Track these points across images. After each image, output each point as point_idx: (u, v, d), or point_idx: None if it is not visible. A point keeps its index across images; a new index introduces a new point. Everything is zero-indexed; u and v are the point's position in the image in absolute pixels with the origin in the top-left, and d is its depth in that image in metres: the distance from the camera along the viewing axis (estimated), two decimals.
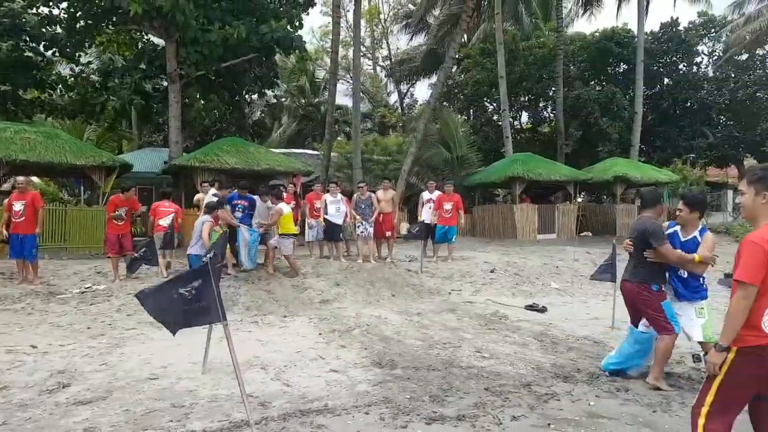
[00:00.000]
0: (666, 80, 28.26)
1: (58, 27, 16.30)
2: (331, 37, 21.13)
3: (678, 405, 4.31)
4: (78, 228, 13.17)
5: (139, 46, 18.22)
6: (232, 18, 14.92)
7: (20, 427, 3.91)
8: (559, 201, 21.00)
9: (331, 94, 20.24)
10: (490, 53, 26.03)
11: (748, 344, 2.66)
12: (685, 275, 4.87)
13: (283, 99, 33.50)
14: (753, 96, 26.80)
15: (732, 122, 28.31)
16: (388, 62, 39.89)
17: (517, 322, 7.67)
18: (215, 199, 9.50)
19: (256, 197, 10.21)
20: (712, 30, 28.39)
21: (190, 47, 14.76)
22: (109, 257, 9.72)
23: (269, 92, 23.65)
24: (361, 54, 30.74)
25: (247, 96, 21.16)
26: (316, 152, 25.49)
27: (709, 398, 2.77)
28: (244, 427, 3.83)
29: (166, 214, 10.05)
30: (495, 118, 28.88)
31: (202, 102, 18.46)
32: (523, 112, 31.66)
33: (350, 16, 26.63)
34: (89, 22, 15.36)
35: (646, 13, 24.04)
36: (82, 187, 20.82)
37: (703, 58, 29.36)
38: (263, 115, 32.97)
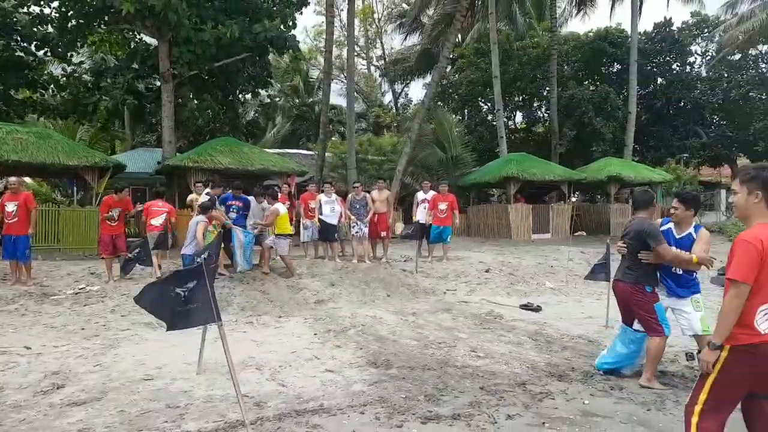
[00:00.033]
0: (659, 80, 28.39)
1: (49, 26, 16.21)
2: (324, 36, 21.14)
3: (672, 403, 4.33)
4: (71, 229, 13.11)
5: (132, 46, 18.15)
6: (225, 17, 14.87)
7: (14, 429, 3.89)
8: (554, 201, 21.07)
9: (325, 93, 20.21)
10: (484, 53, 26.08)
11: (741, 342, 2.68)
12: (680, 272, 4.90)
13: (277, 99, 33.46)
14: (746, 96, 26.96)
15: (725, 122, 28.47)
16: (383, 62, 39.89)
17: (511, 321, 7.69)
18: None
19: (250, 198, 10.20)
20: (705, 30, 28.54)
21: (183, 47, 14.70)
22: (102, 258, 9.68)
23: (263, 92, 23.64)
24: (355, 54, 30.82)
25: (240, 96, 21.10)
26: (310, 152, 25.46)
27: (702, 396, 2.78)
28: (240, 428, 3.82)
29: (158, 214, 10.01)
30: (489, 118, 28.92)
31: (196, 102, 18.36)
32: (518, 112, 31.74)
33: (344, 15, 26.63)
34: (81, 21, 15.27)
35: (640, 13, 24.15)
36: (75, 188, 20.68)
37: (696, 58, 29.56)
38: (257, 115, 32.93)
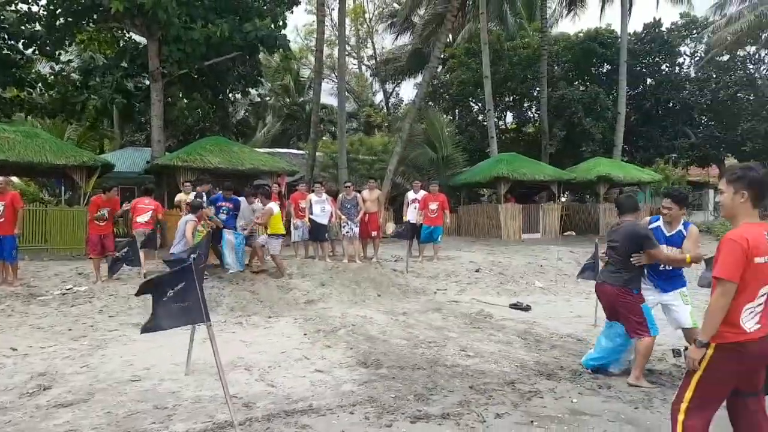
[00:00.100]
0: (649, 81, 28.59)
1: (37, 24, 16.04)
2: (315, 35, 21.07)
3: (659, 401, 4.36)
4: (59, 228, 12.99)
5: (121, 44, 18.01)
6: (215, 16, 14.79)
7: (0, 431, 3.85)
8: (543, 201, 21.15)
9: (315, 93, 20.16)
10: (475, 53, 26.12)
11: (726, 341, 2.71)
12: (668, 268, 4.95)
13: (268, 98, 33.36)
14: (734, 96, 27.20)
15: (713, 122, 28.70)
16: (374, 61, 39.85)
17: (501, 320, 7.72)
18: (199, 199, 9.46)
19: (241, 199, 10.14)
20: (694, 31, 28.75)
21: (173, 45, 14.61)
22: (90, 258, 9.60)
23: (253, 91, 23.54)
24: (346, 53, 30.78)
25: (230, 95, 21.00)
26: (301, 152, 25.39)
27: (688, 394, 2.81)
28: (228, 428, 3.81)
29: (144, 212, 9.96)
30: (480, 118, 28.98)
31: (185, 101, 18.23)
32: (508, 113, 31.82)
33: (335, 14, 26.54)
34: (69, 19, 15.12)
35: (629, 13, 24.28)
36: (63, 187, 20.53)
37: (685, 59, 29.79)
38: (247, 114, 32.81)
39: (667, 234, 4.97)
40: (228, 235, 9.36)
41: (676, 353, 5.37)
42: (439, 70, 28.28)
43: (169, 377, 5.04)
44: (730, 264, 2.67)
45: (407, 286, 10.14)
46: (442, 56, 24.55)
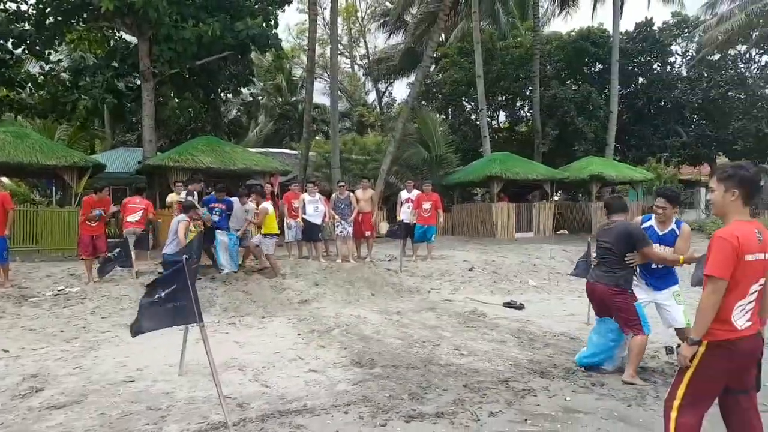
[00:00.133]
0: (641, 80, 28.69)
1: (26, 24, 15.90)
2: (307, 34, 21.00)
3: (652, 399, 4.38)
4: (50, 229, 12.89)
5: (111, 44, 17.88)
6: (207, 15, 14.72)
7: None
8: (536, 200, 21.20)
9: (308, 92, 20.11)
10: (467, 52, 26.15)
11: (718, 338, 2.72)
12: (661, 266, 4.99)
13: (260, 97, 33.24)
14: (725, 95, 27.36)
15: (705, 121, 28.86)
16: (366, 61, 39.83)
17: (495, 319, 7.74)
18: (191, 198, 9.42)
19: (234, 199, 10.10)
20: (686, 30, 28.89)
21: (164, 45, 14.53)
22: (82, 259, 9.54)
23: (245, 90, 23.41)
24: (339, 52, 30.72)
25: (222, 94, 20.92)
26: (293, 151, 25.35)
27: (681, 391, 2.82)
28: (222, 429, 3.80)
29: (134, 211, 9.92)
30: (473, 117, 29.03)
31: (177, 100, 18.14)
32: (501, 112, 31.89)
33: (327, 13, 26.46)
34: (59, 18, 15.00)
35: (621, 13, 24.38)
36: (53, 188, 20.39)
37: (676, 58, 29.92)
38: (239, 113, 32.68)
39: (660, 233, 5.00)
40: (221, 236, 9.33)
41: (669, 350, 5.40)
42: (431, 69, 28.28)
43: (163, 378, 5.02)
44: (721, 262, 2.69)
45: (401, 285, 10.14)
46: (434, 55, 24.59)
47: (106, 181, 15.26)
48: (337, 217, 10.97)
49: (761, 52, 28.88)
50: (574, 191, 26.44)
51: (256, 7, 16.14)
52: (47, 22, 15.11)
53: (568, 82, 28.45)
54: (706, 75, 28.16)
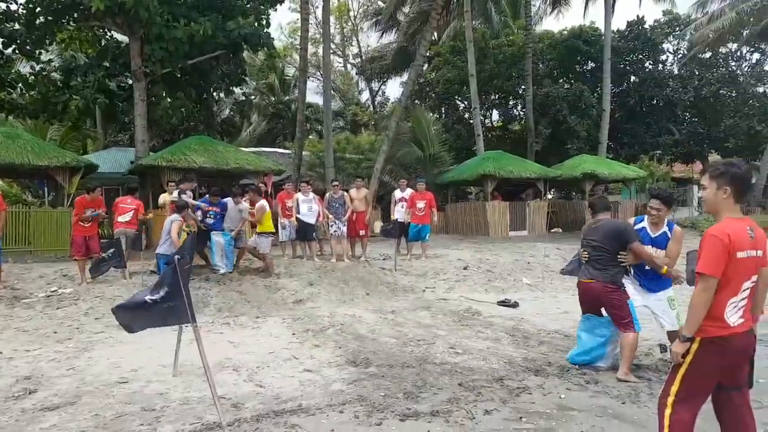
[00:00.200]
0: (633, 78, 28.80)
1: (16, 23, 15.78)
2: (300, 33, 20.95)
3: (646, 396, 4.40)
4: (43, 230, 12.83)
5: (102, 43, 17.76)
6: (198, 14, 14.64)
7: None
8: (530, 198, 21.27)
9: (301, 91, 20.08)
10: (460, 51, 26.16)
11: (710, 335, 2.74)
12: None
13: (253, 97, 33.14)
14: (716, 93, 27.51)
15: (697, 119, 29.00)
16: (359, 60, 39.82)
17: (489, 317, 7.76)
18: (183, 197, 9.39)
19: (228, 200, 10.03)
20: (677, 28, 29.04)
21: (155, 44, 14.45)
22: (75, 260, 9.49)
23: (238, 90, 23.33)
24: (331, 51, 30.60)
25: (215, 94, 20.83)
26: (287, 151, 25.29)
27: (674, 388, 2.84)
28: (217, 429, 3.79)
29: (126, 211, 9.87)
30: (466, 116, 29.07)
31: (169, 100, 18.02)
32: (494, 110, 31.93)
33: (319, 12, 26.42)
34: (49, 18, 14.89)
35: (613, 11, 24.44)
36: (46, 189, 20.28)
37: (668, 56, 30.06)
38: (232, 113, 32.60)
39: (653, 235, 5.03)
40: (216, 237, 9.31)
41: (663, 349, 5.44)
42: (424, 68, 28.31)
43: (157, 379, 5.00)
44: (712, 259, 2.70)
45: (396, 284, 10.15)
46: (427, 54, 24.58)
47: (98, 181, 15.20)
48: (331, 216, 10.96)
49: (752, 49, 29.10)
50: (567, 189, 26.52)
51: (248, 6, 16.08)
52: (38, 21, 15.00)
53: (561, 80, 28.52)
54: (697, 73, 28.31)
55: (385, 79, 38.12)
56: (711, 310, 2.72)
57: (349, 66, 42.27)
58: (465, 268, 11.30)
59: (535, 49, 26.09)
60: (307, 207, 10.82)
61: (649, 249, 4.95)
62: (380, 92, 40.36)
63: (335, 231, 11.02)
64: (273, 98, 33.42)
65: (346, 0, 38.87)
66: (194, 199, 10.57)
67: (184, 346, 5.07)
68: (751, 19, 25.75)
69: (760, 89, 28.91)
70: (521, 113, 29.69)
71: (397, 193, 12.33)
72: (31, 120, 19.37)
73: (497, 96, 29.75)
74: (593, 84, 26.63)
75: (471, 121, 25.23)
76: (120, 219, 9.84)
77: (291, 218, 10.90)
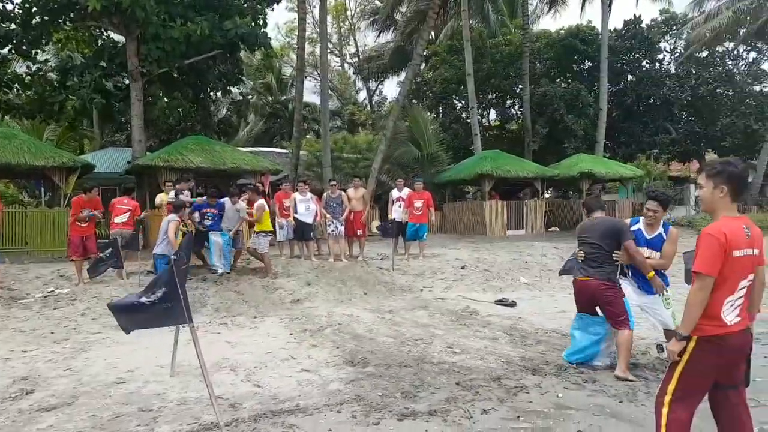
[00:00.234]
0: (629, 77, 28.86)
1: (12, 23, 15.74)
2: (297, 33, 20.93)
3: (644, 395, 4.41)
4: (39, 230, 12.79)
5: (99, 43, 17.71)
6: (195, 14, 14.62)
7: None
8: (527, 197, 21.29)
9: (298, 91, 20.06)
10: (457, 51, 26.19)
11: (707, 334, 2.74)
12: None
13: (250, 96, 33.11)
14: (713, 92, 27.56)
15: (693, 118, 29.05)
16: (356, 59, 39.80)
17: (487, 317, 7.76)
18: (180, 197, 9.38)
19: (225, 200, 10.01)
20: (674, 27, 29.08)
21: (152, 44, 14.43)
22: (72, 260, 9.46)
23: (235, 90, 23.32)
24: (329, 51, 30.64)
25: (211, 93, 20.80)
26: (284, 150, 25.28)
27: (671, 386, 2.85)
28: (214, 430, 3.79)
29: (121, 212, 9.85)
30: (464, 115, 29.09)
31: (166, 100, 18.00)
32: (491, 110, 31.97)
33: (316, 12, 26.37)
34: (45, 18, 14.85)
35: (610, 10, 24.49)
36: (42, 189, 20.23)
37: (665, 55, 30.13)
38: (229, 113, 32.56)
39: (648, 237, 5.04)
40: (215, 237, 9.29)
41: (660, 349, 5.42)
42: (422, 67, 28.32)
43: (154, 379, 4.99)
44: (708, 258, 2.70)
45: (393, 284, 10.14)
46: (424, 54, 24.58)
47: (95, 181, 15.15)
48: (328, 216, 10.95)
49: (749, 48, 29.13)
50: (564, 188, 26.54)
51: (245, 5, 16.06)
52: (34, 21, 14.96)
53: (558, 79, 28.57)
54: (694, 72, 28.36)
55: (382, 79, 38.11)
56: (708, 308, 2.72)
57: (346, 65, 42.31)
58: (462, 268, 11.30)
59: (532, 49, 26.11)
60: (305, 207, 10.82)
61: (645, 250, 4.98)
62: (377, 92, 40.39)
63: (333, 231, 11.02)
64: (270, 98, 33.39)
65: None
66: (192, 197, 10.54)
67: (181, 347, 5.06)
68: (748, 18, 25.80)
69: (757, 88, 28.95)
70: (518, 112, 29.74)
71: (395, 193, 12.33)
72: (28, 120, 19.34)
73: (494, 95, 29.77)
74: (590, 83, 26.66)
75: (468, 121, 25.23)
76: (116, 220, 9.81)
77: (288, 218, 10.89)
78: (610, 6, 24.55)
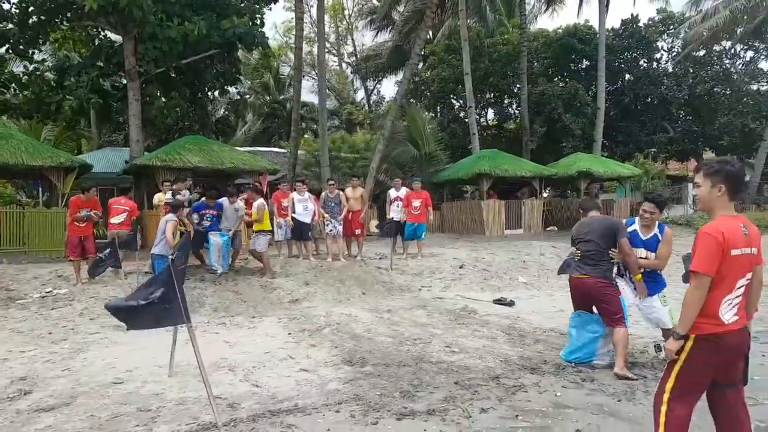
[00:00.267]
0: (627, 76, 28.88)
1: (9, 23, 15.71)
2: (294, 32, 20.94)
3: (642, 393, 4.42)
4: (37, 231, 12.75)
5: (96, 43, 17.69)
6: (192, 13, 14.59)
7: None
8: (525, 197, 21.29)
9: (296, 90, 20.05)
10: (455, 50, 26.20)
11: (705, 332, 2.75)
12: (648, 271, 5.09)
13: (248, 96, 33.07)
14: (710, 91, 27.61)
15: (691, 117, 29.11)
16: (354, 58, 39.79)
17: (485, 316, 7.77)
18: (177, 197, 9.36)
19: (223, 200, 10.00)
20: (671, 26, 29.13)
21: (149, 43, 14.40)
22: (70, 260, 9.45)
23: (232, 89, 23.28)
24: (326, 50, 30.63)
25: (209, 93, 20.77)
26: (282, 150, 25.25)
27: (669, 385, 2.85)
28: (212, 430, 3.78)
29: (119, 213, 9.83)
30: (461, 115, 29.09)
31: (163, 100, 17.97)
32: (489, 109, 31.98)
33: (314, 11, 26.45)
34: (42, 17, 14.82)
35: (607, 10, 24.50)
36: (40, 189, 20.18)
37: (662, 54, 30.18)
38: (227, 112, 32.52)
39: (644, 238, 5.08)
40: (214, 237, 9.27)
41: (658, 348, 5.45)
42: (419, 67, 28.32)
43: (153, 379, 4.99)
44: (706, 257, 2.71)
45: (392, 283, 10.15)
46: (422, 53, 24.56)
47: (93, 181, 15.11)
48: (326, 215, 10.95)
49: (746, 47, 29.20)
50: (562, 188, 26.56)
51: (243, 5, 16.05)
52: (31, 21, 14.92)
53: (556, 79, 28.59)
54: (691, 71, 28.41)
55: (380, 78, 38.11)
56: (706, 307, 2.73)
57: (344, 65, 42.31)
58: (461, 267, 11.31)
59: (529, 48, 26.13)
60: (303, 206, 10.81)
61: (641, 251, 5.04)
62: (375, 91, 40.37)
63: (331, 230, 11.01)
64: (268, 97, 33.36)
65: None
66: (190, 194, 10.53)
67: (179, 346, 5.06)
68: (745, 17, 25.84)
69: (754, 87, 29.03)
70: (516, 112, 29.75)
71: (392, 193, 12.31)
72: (25, 120, 19.30)
73: (492, 95, 29.79)
74: (588, 82, 26.68)
75: (466, 120, 25.23)
76: (113, 220, 9.80)
77: (287, 217, 10.89)
78: (607, 5, 24.57)
